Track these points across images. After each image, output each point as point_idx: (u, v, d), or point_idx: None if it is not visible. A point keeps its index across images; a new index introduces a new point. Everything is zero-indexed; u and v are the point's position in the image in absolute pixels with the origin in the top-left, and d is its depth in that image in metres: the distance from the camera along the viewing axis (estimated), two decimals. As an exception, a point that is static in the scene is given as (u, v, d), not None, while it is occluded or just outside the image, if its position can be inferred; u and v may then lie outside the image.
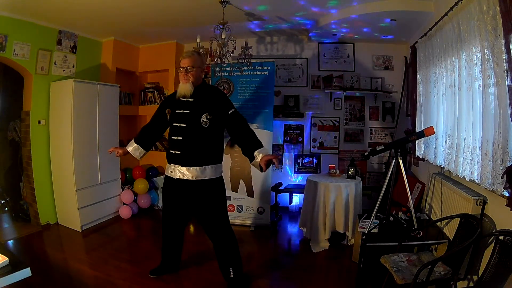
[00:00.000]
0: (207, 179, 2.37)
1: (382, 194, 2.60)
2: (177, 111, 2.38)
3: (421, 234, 2.48)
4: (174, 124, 2.38)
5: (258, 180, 3.90)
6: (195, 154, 2.34)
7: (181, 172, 2.37)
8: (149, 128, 2.66)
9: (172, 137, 2.39)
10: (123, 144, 4.73)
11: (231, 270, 2.48)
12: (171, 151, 2.40)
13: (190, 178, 2.35)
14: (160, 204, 4.50)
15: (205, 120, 2.30)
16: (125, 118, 4.70)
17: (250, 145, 2.34)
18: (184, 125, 2.33)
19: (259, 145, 2.33)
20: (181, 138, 2.34)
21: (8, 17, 3.30)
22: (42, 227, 3.73)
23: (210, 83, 4.26)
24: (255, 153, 2.29)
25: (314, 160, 4.60)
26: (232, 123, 2.36)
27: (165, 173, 2.53)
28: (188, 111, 2.33)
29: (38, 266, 2.77)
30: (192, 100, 2.34)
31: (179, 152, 2.36)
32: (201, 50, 3.14)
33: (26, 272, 1.50)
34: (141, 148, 2.63)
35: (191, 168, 2.34)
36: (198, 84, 2.38)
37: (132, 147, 2.65)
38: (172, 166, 2.42)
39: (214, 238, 2.50)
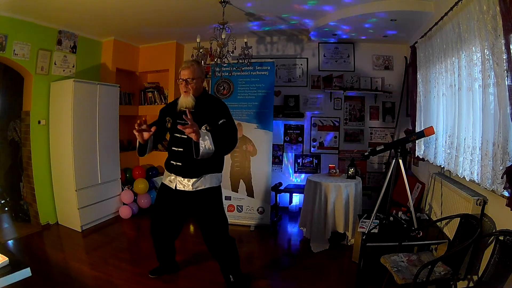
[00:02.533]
0: (206, 188, 2.35)
1: (382, 194, 2.60)
2: (178, 121, 2.31)
3: (421, 234, 2.48)
4: (175, 135, 2.34)
5: (258, 180, 3.90)
6: (196, 165, 2.30)
7: (182, 183, 2.34)
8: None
9: (173, 148, 2.36)
10: (123, 144, 4.75)
11: (231, 276, 2.48)
12: (171, 161, 2.37)
13: (190, 189, 2.33)
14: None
15: (205, 131, 2.21)
16: (125, 118, 4.70)
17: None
18: (186, 136, 2.25)
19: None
20: (182, 149, 2.31)
21: (8, 17, 3.30)
22: (42, 227, 3.73)
23: (210, 83, 4.28)
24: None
25: (314, 160, 4.60)
26: (217, 131, 2.24)
27: (163, 181, 2.48)
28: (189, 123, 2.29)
29: (38, 266, 2.77)
30: (193, 111, 2.27)
31: (180, 164, 2.32)
32: (201, 50, 3.14)
33: (26, 272, 1.50)
34: (151, 143, 2.37)
35: (192, 179, 2.32)
36: (199, 95, 2.33)
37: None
38: (172, 176, 2.39)
39: (212, 246, 2.47)
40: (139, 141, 2.30)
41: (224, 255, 2.47)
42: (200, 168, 2.32)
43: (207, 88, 4.75)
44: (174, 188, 2.37)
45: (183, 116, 2.10)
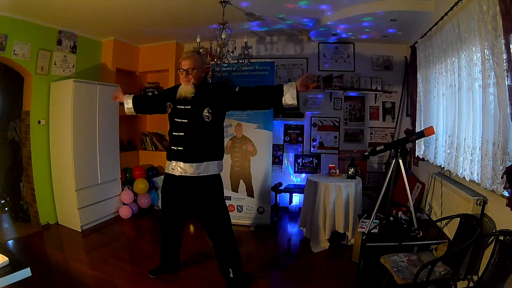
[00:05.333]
0: (209, 175, 2.37)
1: (382, 194, 2.60)
2: (178, 106, 2.36)
3: (421, 234, 2.48)
4: (175, 119, 2.37)
5: (258, 180, 3.90)
6: (197, 150, 2.34)
7: (182, 168, 2.36)
8: (148, 99, 2.83)
9: (174, 133, 2.38)
10: (123, 144, 4.75)
11: (230, 270, 2.48)
12: (172, 147, 2.39)
13: (191, 174, 2.35)
14: (160, 204, 4.50)
15: (207, 114, 2.30)
16: (125, 118, 4.69)
17: (270, 90, 2.25)
18: (186, 120, 2.32)
19: (279, 87, 2.21)
20: (183, 134, 2.34)
21: (8, 17, 3.30)
22: (42, 227, 3.73)
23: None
24: (284, 87, 2.18)
25: (314, 160, 4.60)
26: (244, 93, 2.31)
27: (166, 171, 2.51)
28: (190, 107, 2.32)
29: (38, 266, 2.77)
30: (193, 95, 2.33)
31: (181, 148, 2.35)
32: (201, 50, 3.14)
33: (26, 272, 1.50)
34: (132, 107, 2.72)
35: (194, 164, 2.33)
36: (198, 83, 2.38)
37: (128, 100, 2.74)
38: (174, 163, 2.40)
39: (214, 236, 2.49)
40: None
41: (226, 245, 2.47)
42: (201, 153, 2.35)
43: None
44: (177, 175, 2.39)
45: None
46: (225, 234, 2.47)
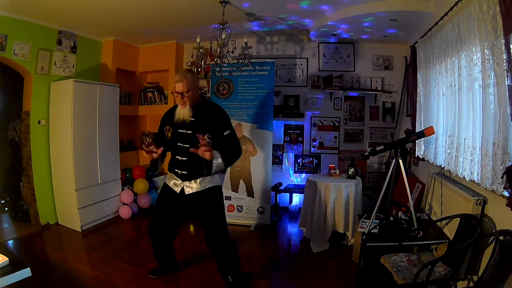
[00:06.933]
0: (211, 186, 2.37)
1: (382, 194, 2.60)
2: (179, 130, 2.34)
3: (421, 234, 2.48)
4: (178, 144, 2.35)
5: (258, 180, 3.90)
6: (201, 171, 2.29)
7: (189, 187, 2.36)
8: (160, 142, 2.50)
9: (177, 157, 2.37)
10: (123, 144, 4.75)
11: (229, 277, 2.48)
12: (176, 170, 2.38)
13: (196, 190, 2.35)
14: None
15: (208, 140, 2.25)
16: (125, 118, 4.70)
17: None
18: (188, 145, 2.27)
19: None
20: (186, 159, 2.32)
21: (8, 17, 3.30)
22: (42, 227, 3.73)
23: (210, 83, 4.27)
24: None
25: (314, 160, 4.60)
26: (223, 144, 2.29)
27: (166, 182, 2.49)
28: (190, 132, 2.29)
29: (38, 266, 2.77)
30: (193, 119, 2.29)
31: (185, 172, 2.34)
32: (201, 50, 3.14)
33: (26, 272, 1.50)
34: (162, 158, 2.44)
35: (198, 180, 2.34)
36: (196, 104, 2.34)
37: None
38: (179, 181, 2.39)
39: (213, 245, 2.46)
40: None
41: (224, 255, 2.47)
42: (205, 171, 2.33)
43: (206, 88, 4.76)
44: (178, 192, 2.38)
45: (198, 137, 2.13)
46: (224, 242, 2.45)
